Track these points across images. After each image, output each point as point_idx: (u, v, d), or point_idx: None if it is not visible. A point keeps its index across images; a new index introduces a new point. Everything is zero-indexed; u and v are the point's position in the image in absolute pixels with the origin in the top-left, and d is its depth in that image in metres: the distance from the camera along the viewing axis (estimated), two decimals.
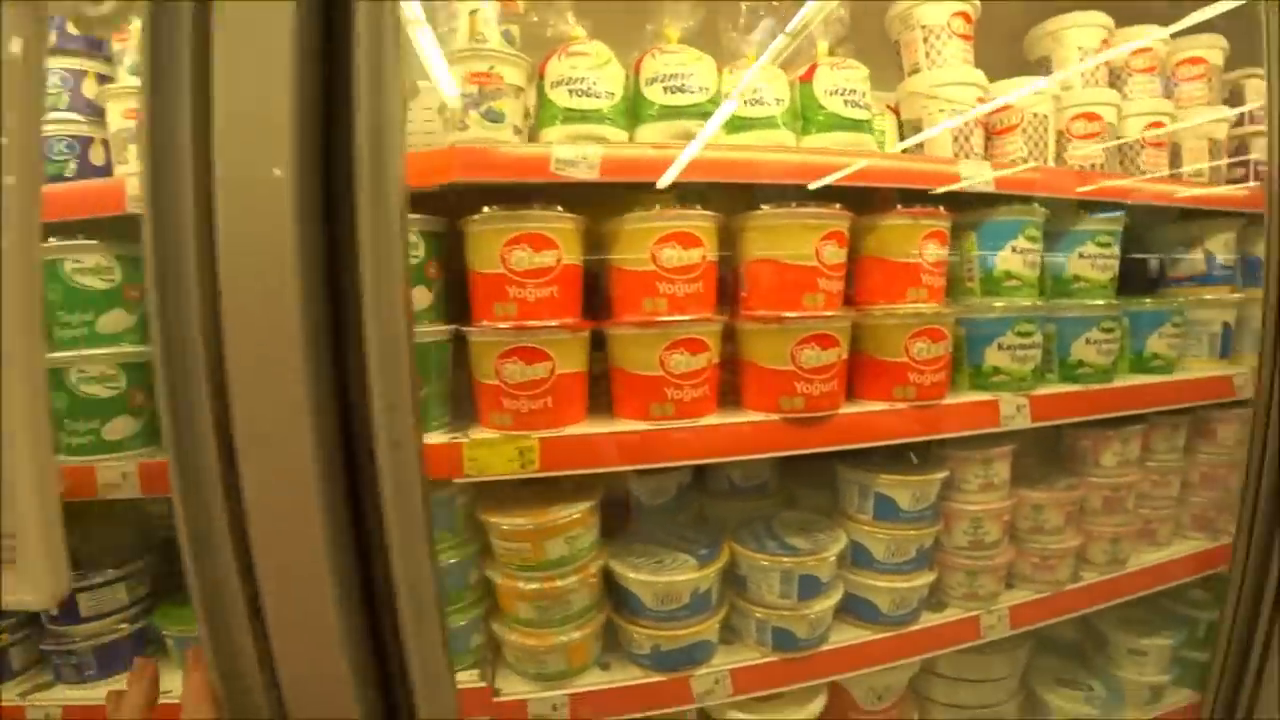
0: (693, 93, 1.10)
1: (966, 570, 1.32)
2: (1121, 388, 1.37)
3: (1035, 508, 1.37)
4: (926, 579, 1.27)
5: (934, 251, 1.18)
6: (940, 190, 1.18)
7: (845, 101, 1.14)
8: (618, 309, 1.14)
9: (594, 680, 1.17)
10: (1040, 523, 1.37)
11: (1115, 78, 1.48)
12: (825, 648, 1.23)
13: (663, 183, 1.06)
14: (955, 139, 1.25)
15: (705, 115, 1.10)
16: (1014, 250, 1.28)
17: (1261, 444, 1.15)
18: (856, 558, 1.28)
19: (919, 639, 1.29)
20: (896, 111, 1.38)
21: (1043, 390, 1.29)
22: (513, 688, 1.15)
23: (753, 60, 1.16)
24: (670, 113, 1.10)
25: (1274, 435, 1.14)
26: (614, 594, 1.20)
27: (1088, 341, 1.32)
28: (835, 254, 1.12)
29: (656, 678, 1.16)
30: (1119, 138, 1.45)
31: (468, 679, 1.15)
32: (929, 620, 1.31)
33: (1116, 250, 1.35)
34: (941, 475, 1.24)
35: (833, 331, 1.11)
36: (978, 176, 1.18)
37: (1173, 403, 1.42)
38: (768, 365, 1.13)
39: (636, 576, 1.14)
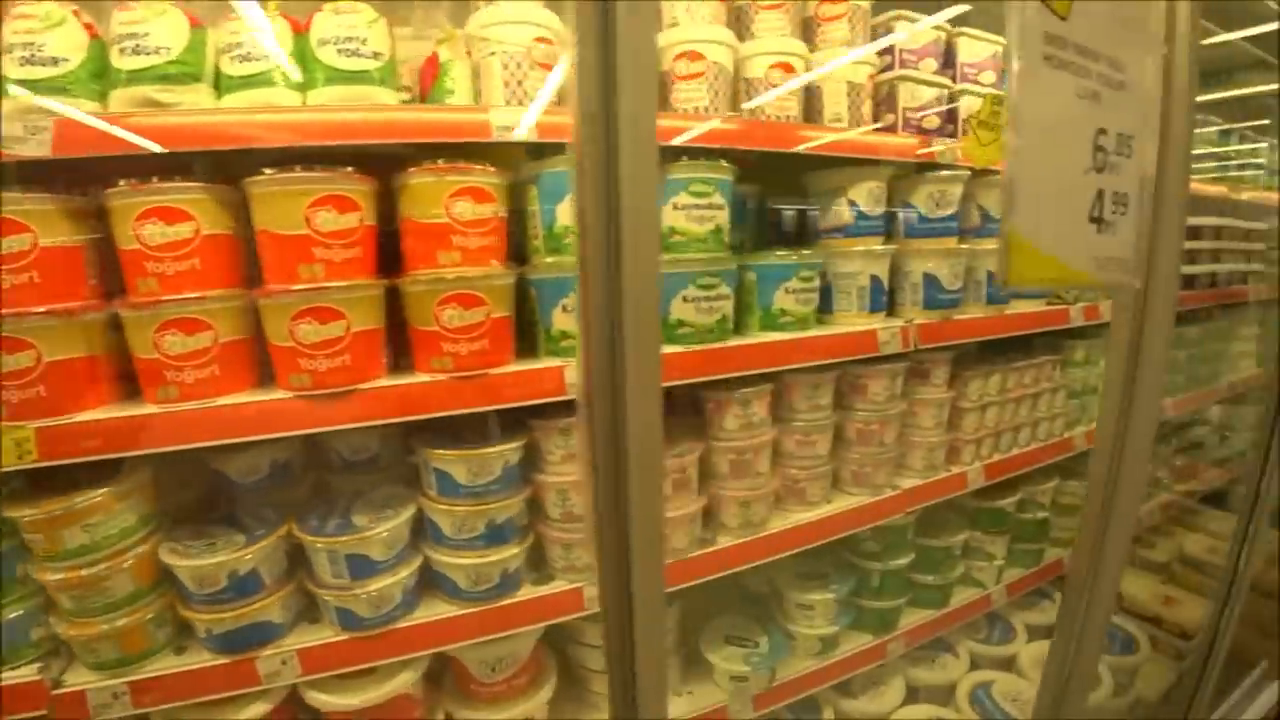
0: (150, 54, 0.98)
1: (562, 544, 1.29)
2: (734, 347, 1.32)
3: None
4: (506, 553, 1.23)
5: (466, 209, 1.09)
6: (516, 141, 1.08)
7: (340, 51, 1.03)
8: None
9: (159, 666, 1.13)
10: None
11: (740, 17, 1.39)
12: (401, 624, 1.20)
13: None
14: (506, 85, 1.15)
15: (168, 79, 0.98)
16: (675, 206, 1.24)
17: None
18: (432, 534, 1.24)
19: (514, 612, 1.27)
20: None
21: None
22: (80, 678, 1.10)
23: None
24: (132, 78, 0.98)
25: None
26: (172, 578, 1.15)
27: (685, 299, 1.26)
28: (333, 220, 1.02)
29: (220, 660, 1.12)
30: (746, 78, 1.37)
31: (27, 673, 1.10)
32: (532, 593, 1.29)
33: (720, 200, 1.28)
34: (502, 448, 1.19)
35: (333, 304, 1.03)
36: (515, 125, 1.09)
37: (804, 360, 1.39)
38: (275, 342, 1.05)
39: (175, 561, 1.09)
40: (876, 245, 1.50)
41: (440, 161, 1.06)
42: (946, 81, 1.58)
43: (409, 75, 1.20)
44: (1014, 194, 0.69)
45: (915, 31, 1.51)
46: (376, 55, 1.04)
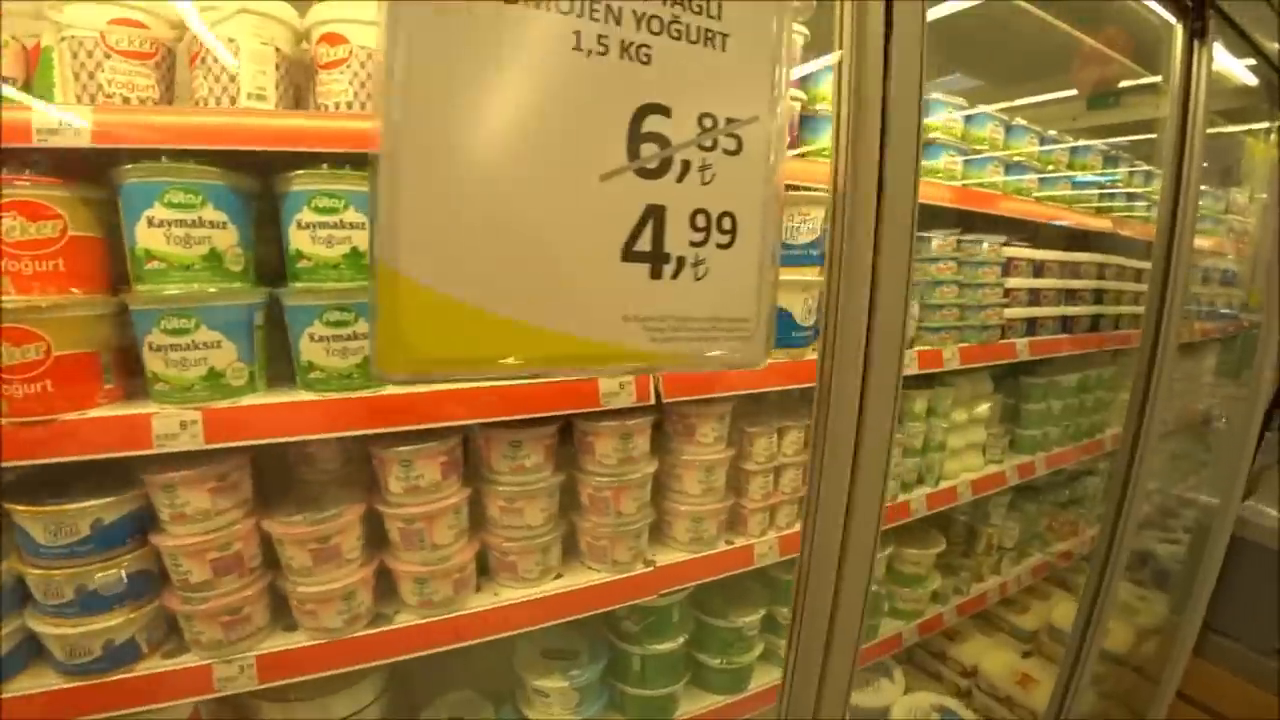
0: None
1: (184, 615, 1.16)
2: (385, 396, 1.17)
3: (279, 541, 1.20)
4: (106, 623, 1.10)
5: (21, 228, 0.99)
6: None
7: None
8: None
9: None
10: (289, 561, 1.20)
11: None
12: None
13: None
14: (77, 77, 1.05)
15: None
16: (299, 225, 1.12)
17: None
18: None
19: (124, 689, 1.14)
20: None
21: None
22: None
23: None
24: None
25: None
26: None
27: (312, 339, 1.14)
28: None
29: None
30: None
31: None
32: (153, 667, 1.16)
33: (353, 217, 1.13)
34: (87, 505, 1.07)
35: None
36: (70, 127, 0.96)
37: (485, 415, 1.22)
38: None
39: None
40: None
41: None
42: None
43: (15, 62, 1.12)
44: (395, 197, 0.41)
45: None
46: None
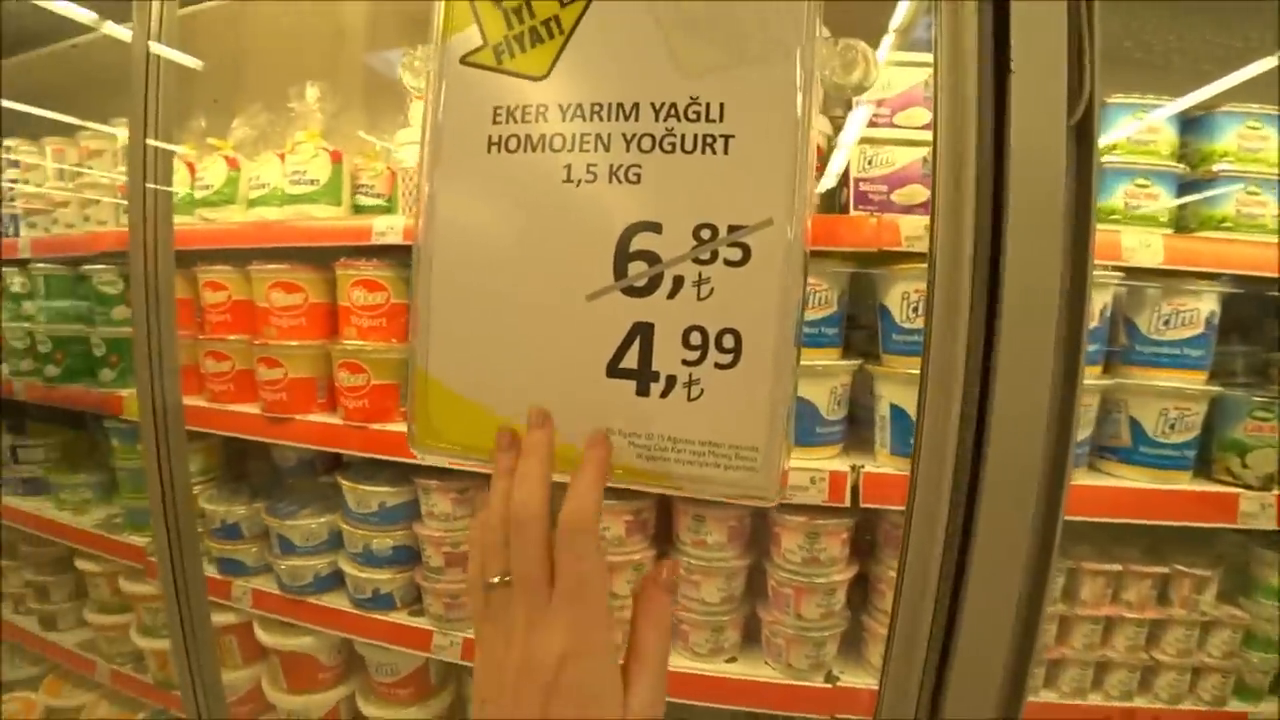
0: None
1: (424, 588, 1.46)
2: None
3: None
4: (379, 575, 1.47)
5: (362, 296, 1.37)
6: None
7: (291, 180, 1.43)
8: None
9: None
10: None
11: None
12: (310, 600, 1.55)
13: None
14: (404, 195, 1.39)
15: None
16: None
17: None
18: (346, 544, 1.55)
19: (377, 628, 1.50)
20: None
21: None
22: None
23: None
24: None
25: None
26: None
27: None
28: (284, 299, 1.43)
29: (215, 576, 1.68)
30: None
31: None
32: (400, 619, 1.50)
33: None
34: (377, 489, 1.43)
35: (275, 357, 1.44)
36: (393, 229, 1.32)
37: None
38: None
39: (205, 504, 1.66)
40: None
41: (343, 259, 1.37)
42: None
43: (384, 183, 1.53)
44: (427, 309, 0.52)
45: None
46: (313, 181, 1.41)
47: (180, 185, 1.54)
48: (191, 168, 1.56)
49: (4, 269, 1.98)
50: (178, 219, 1.53)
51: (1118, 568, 1.30)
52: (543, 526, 0.43)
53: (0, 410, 2.01)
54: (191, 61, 1.27)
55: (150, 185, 1.18)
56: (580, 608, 0.42)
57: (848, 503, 1.19)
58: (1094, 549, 1.35)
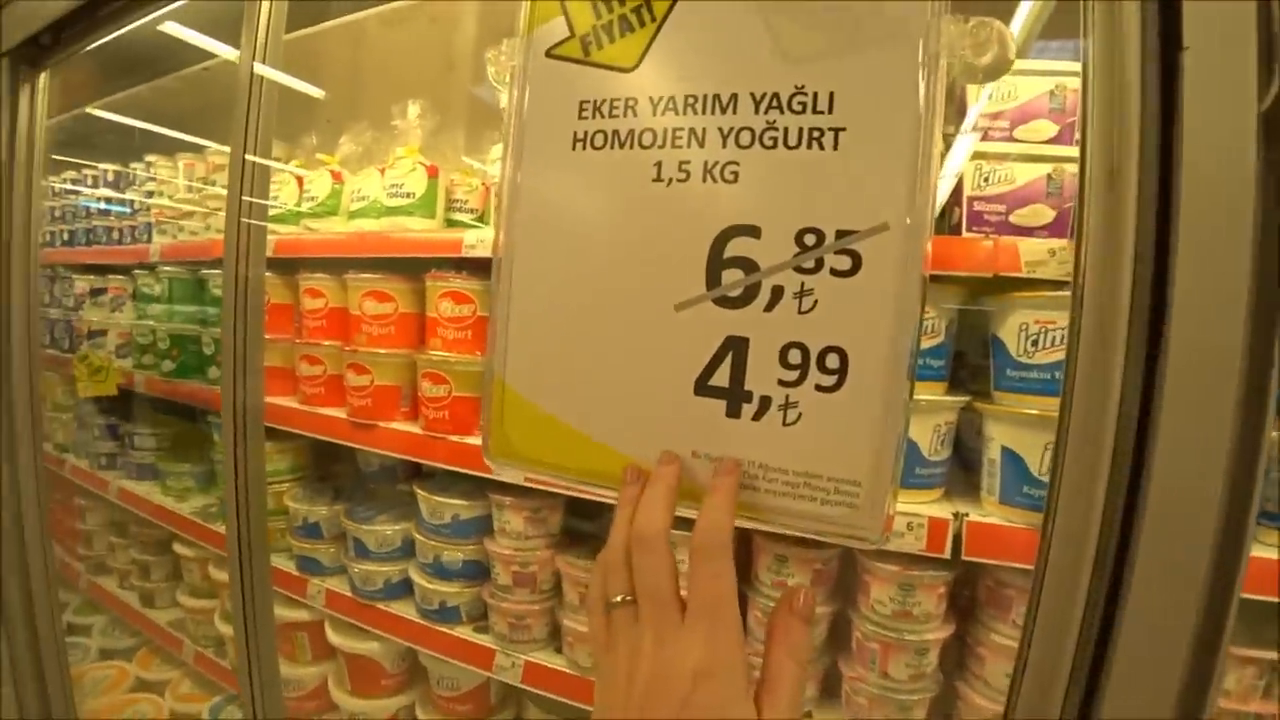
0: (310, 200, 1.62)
1: (489, 605, 1.44)
2: None
3: (563, 576, 1.36)
4: (446, 589, 1.46)
5: (449, 308, 1.39)
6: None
7: (389, 194, 1.48)
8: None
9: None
10: (566, 595, 1.35)
11: None
12: (379, 605, 1.57)
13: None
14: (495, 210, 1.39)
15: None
16: None
17: None
18: (417, 554, 1.56)
19: (441, 640, 1.49)
20: None
21: None
22: None
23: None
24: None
25: None
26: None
27: None
28: (375, 307, 1.47)
29: (293, 572, 1.73)
30: None
31: None
32: (464, 634, 1.49)
33: None
34: (449, 501, 1.43)
35: (363, 363, 1.48)
36: (481, 243, 1.33)
37: None
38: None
39: (289, 503, 1.72)
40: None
41: (433, 270, 1.40)
42: None
43: (479, 198, 1.56)
44: (507, 318, 0.51)
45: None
46: (409, 195, 1.45)
47: (289, 198, 1.63)
48: (300, 181, 1.64)
49: (137, 271, 2.16)
50: (285, 228, 1.63)
51: (1273, 655, 1.11)
52: (667, 543, 0.43)
53: (126, 400, 2.18)
54: (294, 82, 1.34)
55: (246, 198, 1.24)
56: (716, 625, 0.40)
57: (948, 554, 1.08)
58: (1244, 629, 1.16)
